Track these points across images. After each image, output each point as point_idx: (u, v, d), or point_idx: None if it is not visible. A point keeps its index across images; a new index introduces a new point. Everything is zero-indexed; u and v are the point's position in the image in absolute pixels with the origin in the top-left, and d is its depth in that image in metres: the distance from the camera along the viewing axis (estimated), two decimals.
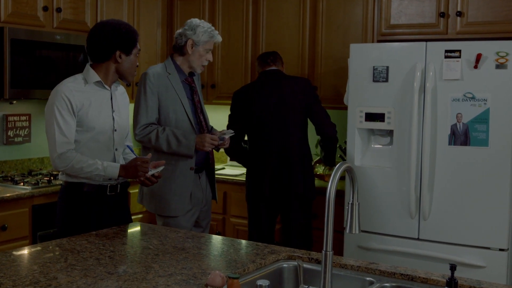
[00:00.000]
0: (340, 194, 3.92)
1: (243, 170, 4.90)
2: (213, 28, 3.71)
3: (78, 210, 2.99)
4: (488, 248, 3.57)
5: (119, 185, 3.08)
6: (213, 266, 2.36)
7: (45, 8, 4.22)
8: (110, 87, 3.07)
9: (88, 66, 3.04)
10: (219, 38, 3.74)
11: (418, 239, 3.75)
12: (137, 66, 3.12)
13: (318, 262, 2.47)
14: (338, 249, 3.99)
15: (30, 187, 3.91)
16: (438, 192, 3.68)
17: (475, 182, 3.59)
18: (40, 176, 4.32)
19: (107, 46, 2.98)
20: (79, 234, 2.83)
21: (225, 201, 4.76)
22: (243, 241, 2.79)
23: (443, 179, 3.67)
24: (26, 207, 3.84)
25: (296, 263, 2.45)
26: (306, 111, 4.08)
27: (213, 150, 3.74)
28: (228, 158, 5.27)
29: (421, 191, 3.70)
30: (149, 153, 3.24)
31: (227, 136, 3.61)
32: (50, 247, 2.57)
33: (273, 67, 4.20)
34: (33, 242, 3.84)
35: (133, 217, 4.57)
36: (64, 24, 4.38)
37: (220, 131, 3.63)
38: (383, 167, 3.86)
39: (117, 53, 3.00)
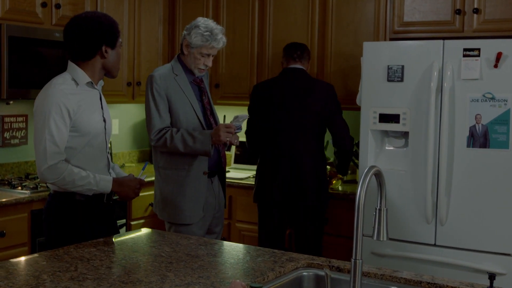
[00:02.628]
0: (347, 198, 4.10)
1: (248, 173, 4.76)
2: (214, 31, 3.41)
3: (70, 222, 2.77)
4: (509, 255, 3.47)
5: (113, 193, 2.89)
6: (231, 274, 2.26)
7: (43, 4, 4.08)
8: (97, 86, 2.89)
9: (72, 64, 2.82)
10: (216, 44, 3.43)
11: (435, 245, 3.64)
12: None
13: (339, 270, 2.39)
14: (349, 256, 3.87)
15: (29, 191, 3.75)
16: (455, 196, 3.57)
17: (495, 186, 3.48)
18: (38, 179, 4.15)
19: (92, 42, 2.78)
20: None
21: (230, 206, 4.60)
22: (259, 248, 2.68)
23: (461, 182, 3.56)
24: (24, 212, 3.68)
25: (318, 271, 2.40)
26: (326, 120, 3.94)
27: (225, 152, 3.62)
28: (233, 161, 5.12)
29: (438, 195, 3.59)
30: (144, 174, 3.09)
31: (241, 123, 3.44)
32: (57, 255, 2.43)
33: (298, 65, 4.03)
34: (32, 248, 3.70)
35: (134, 222, 4.50)
36: (63, 21, 4.19)
37: (235, 117, 3.43)
38: (398, 170, 3.74)
39: (103, 48, 2.80)
